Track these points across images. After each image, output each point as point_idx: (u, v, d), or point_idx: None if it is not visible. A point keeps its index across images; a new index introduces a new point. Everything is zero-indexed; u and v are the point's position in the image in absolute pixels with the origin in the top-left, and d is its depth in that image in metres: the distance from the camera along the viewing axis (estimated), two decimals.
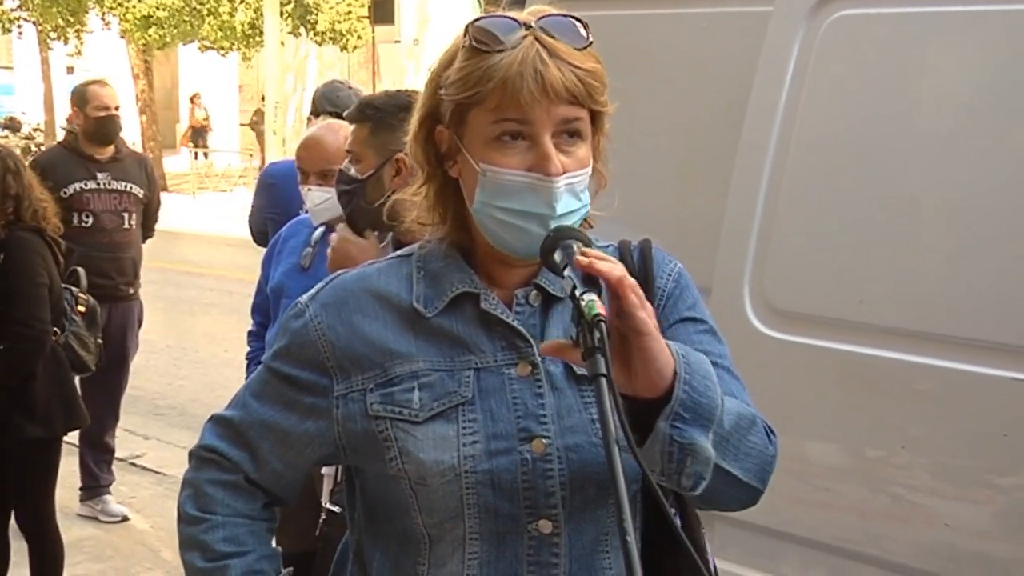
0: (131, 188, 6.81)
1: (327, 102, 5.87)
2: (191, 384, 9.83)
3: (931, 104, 3.26)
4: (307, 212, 4.34)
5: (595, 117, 1.94)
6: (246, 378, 4.70)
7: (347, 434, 1.99)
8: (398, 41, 28.96)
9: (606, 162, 2.02)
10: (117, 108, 6.78)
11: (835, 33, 3.37)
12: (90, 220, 6.63)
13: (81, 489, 6.96)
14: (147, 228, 7.08)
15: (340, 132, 4.19)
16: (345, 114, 3.55)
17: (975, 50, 3.21)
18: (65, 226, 5.97)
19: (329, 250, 3.46)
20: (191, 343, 9.17)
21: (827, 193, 3.36)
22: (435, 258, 2.01)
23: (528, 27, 1.90)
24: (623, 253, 2.11)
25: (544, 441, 1.92)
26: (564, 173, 1.88)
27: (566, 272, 1.84)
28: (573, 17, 1.93)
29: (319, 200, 4.19)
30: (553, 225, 1.88)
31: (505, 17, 1.93)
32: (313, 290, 2.06)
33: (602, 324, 1.76)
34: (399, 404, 1.95)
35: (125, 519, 6.87)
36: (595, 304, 1.78)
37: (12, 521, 5.26)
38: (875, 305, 3.22)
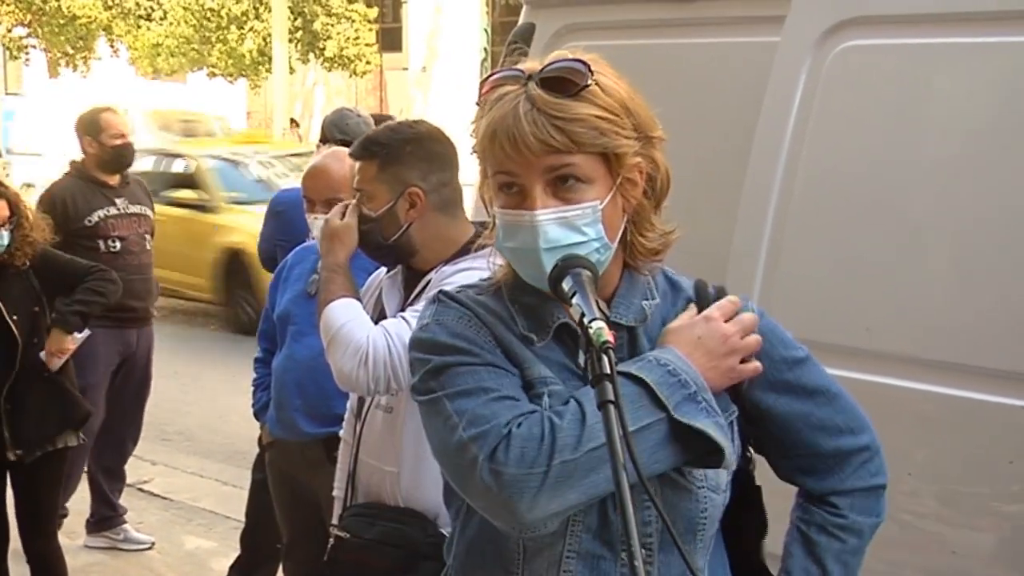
0: (145, 211, 6.82)
1: (336, 130, 5.88)
2: (198, 410, 9.83)
3: (937, 133, 3.28)
4: (315, 239, 4.35)
5: (608, 158, 1.97)
6: (253, 404, 4.77)
7: None
8: (406, 68, 29.04)
9: (662, 193, 2.06)
10: (129, 135, 6.75)
11: (841, 63, 3.39)
12: (118, 245, 6.58)
13: (96, 520, 6.87)
14: None
15: (346, 160, 4.18)
16: (348, 152, 3.55)
17: (981, 80, 3.22)
18: (93, 254, 6.23)
19: (319, 237, 3.48)
20: (199, 369, 9.17)
21: (834, 221, 3.37)
22: (524, 292, 2.06)
23: (528, 79, 1.96)
24: (700, 295, 2.14)
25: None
26: (547, 208, 1.93)
27: (574, 300, 1.87)
28: (580, 61, 1.97)
29: None
30: (545, 258, 1.94)
31: (512, 70, 2.00)
32: (425, 316, 2.07)
33: (610, 351, 1.79)
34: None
35: (152, 546, 6.86)
36: (603, 331, 1.81)
37: None
38: (882, 333, 3.23)
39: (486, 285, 2.12)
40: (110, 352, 6.56)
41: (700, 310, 2.09)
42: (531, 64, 1.99)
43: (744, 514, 2.18)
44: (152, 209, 6.95)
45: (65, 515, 6.63)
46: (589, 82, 1.95)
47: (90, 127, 6.62)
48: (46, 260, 5.26)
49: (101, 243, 6.51)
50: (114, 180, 6.70)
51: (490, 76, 2.02)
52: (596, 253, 1.96)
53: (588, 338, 1.82)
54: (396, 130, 3.28)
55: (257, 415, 4.78)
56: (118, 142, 6.61)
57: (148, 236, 6.80)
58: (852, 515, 2.18)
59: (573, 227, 1.94)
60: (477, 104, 2.01)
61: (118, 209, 6.64)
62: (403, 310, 3.22)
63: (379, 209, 3.21)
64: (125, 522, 6.92)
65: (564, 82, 1.94)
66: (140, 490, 7.71)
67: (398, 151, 3.20)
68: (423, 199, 3.19)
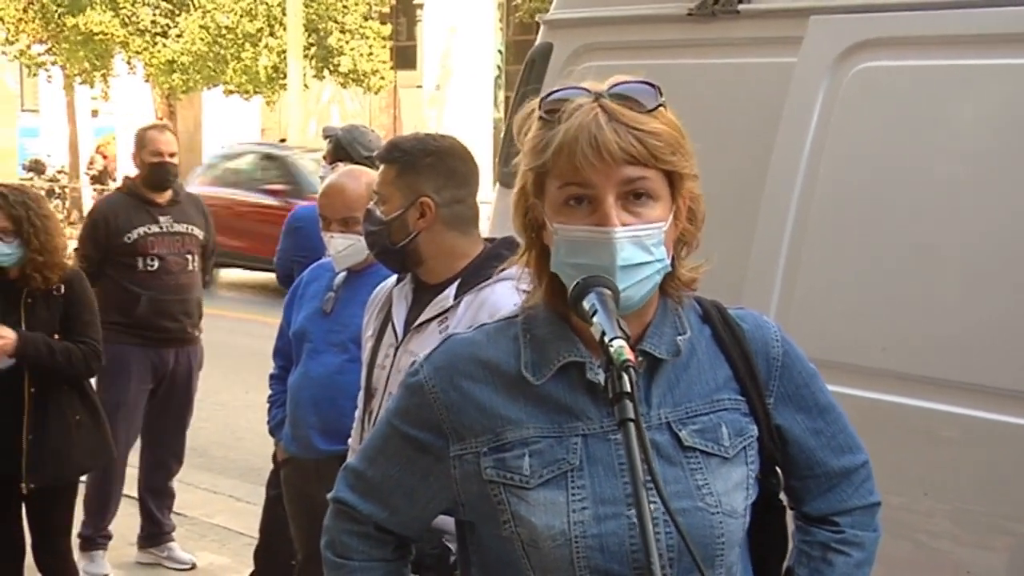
0: (192, 230, 6.70)
1: (361, 147, 5.86)
2: (212, 427, 9.80)
3: (953, 153, 3.29)
4: (330, 256, 4.37)
5: (672, 179, 1.98)
6: (268, 421, 4.78)
7: (465, 493, 2.06)
8: (420, 86, 29.12)
9: (699, 224, 2.06)
10: (173, 155, 6.58)
11: (858, 84, 3.41)
12: (155, 264, 6.49)
13: (143, 536, 6.84)
14: (204, 271, 6.93)
15: (362, 179, 4.23)
16: (375, 155, 3.59)
17: (995, 101, 3.24)
18: (130, 271, 6.28)
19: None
20: (212, 385, 9.16)
21: (850, 241, 3.38)
22: (540, 323, 2.06)
23: (597, 96, 1.95)
24: (707, 316, 2.13)
25: (652, 505, 1.89)
26: (625, 226, 1.92)
27: (595, 319, 1.87)
28: (647, 83, 1.97)
29: (341, 247, 4.23)
30: (620, 276, 1.92)
31: (576, 88, 1.99)
32: (429, 350, 2.14)
33: (630, 369, 1.80)
34: (511, 470, 2.00)
35: (194, 566, 6.82)
36: (623, 350, 1.81)
37: None
38: (898, 353, 3.24)
39: (509, 314, 2.13)
40: (142, 370, 6.52)
41: (712, 332, 2.09)
42: (593, 84, 1.99)
43: (766, 536, 2.18)
44: (205, 228, 6.82)
45: (108, 537, 6.64)
46: (662, 101, 1.97)
47: (136, 142, 6.59)
48: (73, 294, 5.12)
49: (139, 261, 6.44)
50: (162, 197, 6.59)
51: (550, 94, 2.00)
52: (657, 275, 1.97)
53: (608, 356, 1.82)
54: (421, 140, 3.33)
55: (272, 432, 4.80)
56: (155, 160, 6.51)
57: (191, 256, 6.68)
58: (853, 530, 2.18)
59: (644, 247, 1.94)
60: (545, 117, 1.97)
61: (160, 227, 6.54)
62: (409, 323, 3.25)
63: (391, 214, 3.27)
64: (172, 539, 6.88)
65: (639, 99, 1.95)
66: None
67: (417, 161, 3.25)
68: (433, 211, 3.23)
